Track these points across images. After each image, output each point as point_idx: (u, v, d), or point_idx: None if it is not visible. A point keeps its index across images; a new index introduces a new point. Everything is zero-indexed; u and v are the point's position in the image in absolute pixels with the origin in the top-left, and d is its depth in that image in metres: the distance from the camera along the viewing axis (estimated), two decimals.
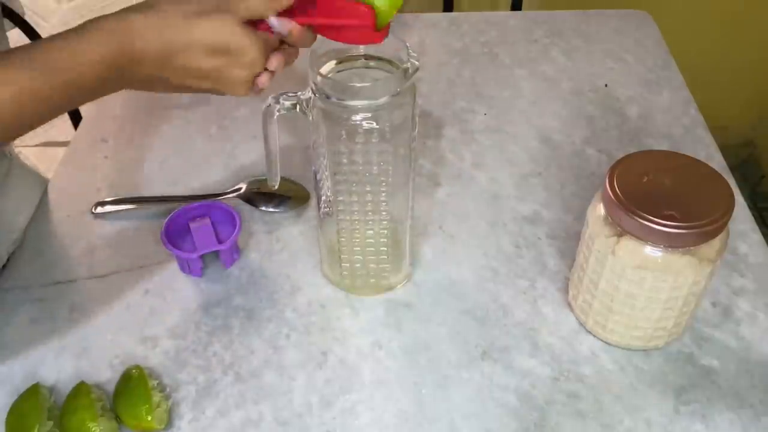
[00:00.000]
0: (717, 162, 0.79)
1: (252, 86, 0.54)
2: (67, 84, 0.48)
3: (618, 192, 0.55)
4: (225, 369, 0.61)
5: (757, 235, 0.71)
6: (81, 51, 0.48)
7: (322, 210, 0.63)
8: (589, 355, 0.62)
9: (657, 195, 0.54)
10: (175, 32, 0.49)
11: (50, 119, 0.50)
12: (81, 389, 0.58)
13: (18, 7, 0.74)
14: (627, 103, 0.88)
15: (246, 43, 0.51)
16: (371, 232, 0.63)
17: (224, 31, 0.50)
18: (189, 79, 0.52)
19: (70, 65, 0.48)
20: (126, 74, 0.50)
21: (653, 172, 0.56)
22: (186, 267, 0.68)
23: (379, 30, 0.51)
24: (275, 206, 0.75)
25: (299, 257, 0.70)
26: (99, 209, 0.75)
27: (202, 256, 0.67)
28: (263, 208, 0.75)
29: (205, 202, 0.72)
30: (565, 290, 0.67)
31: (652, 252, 0.54)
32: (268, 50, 0.53)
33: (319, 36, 0.55)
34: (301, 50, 0.57)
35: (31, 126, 0.50)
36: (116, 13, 0.50)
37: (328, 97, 0.54)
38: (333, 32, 0.51)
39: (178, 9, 0.50)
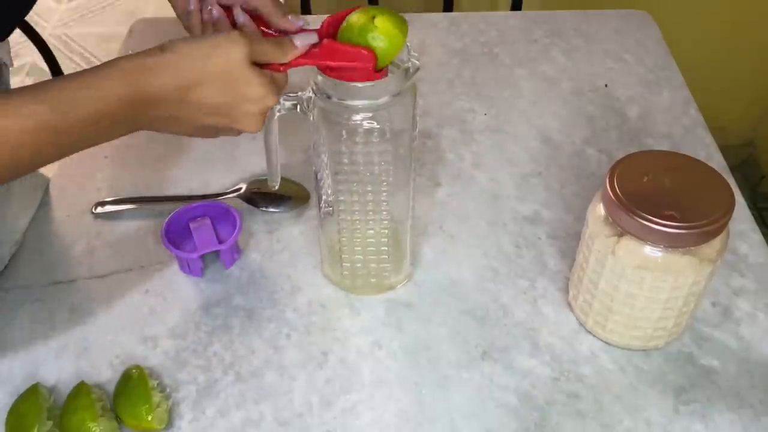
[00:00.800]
0: (717, 162, 0.79)
1: (264, 122, 0.55)
2: (83, 121, 0.48)
3: (618, 192, 0.55)
4: (225, 369, 0.61)
5: (757, 235, 0.72)
6: (98, 88, 0.48)
7: (322, 210, 0.63)
8: (589, 355, 0.62)
9: (657, 195, 0.54)
10: (190, 70, 0.50)
11: (63, 157, 0.51)
12: (81, 389, 0.58)
13: None
14: (627, 103, 0.88)
15: (254, 80, 0.52)
16: (372, 231, 0.63)
17: (234, 67, 0.51)
18: (204, 116, 0.53)
19: (87, 102, 0.48)
20: (142, 114, 0.51)
21: (653, 172, 0.56)
22: (186, 267, 0.68)
23: (378, 71, 0.53)
24: (275, 206, 0.75)
25: (299, 257, 0.70)
26: (99, 209, 0.75)
27: (202, 256, 0.67)
28: (263, 208, 0.75)
29: (205, 202, 0.72)
30: (565, 290, 0.67)
31: (652, 252, 0.54)
32: (277, 87, 0.54)
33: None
34: None
35: (46, 161, 0.51)
36: (133, 54, 0.51)
37: (328, 97, 0.54)
38: (335, 72, 0.53)
39: (192, 48, 0.51)
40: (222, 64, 0.51)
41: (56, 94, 0.48)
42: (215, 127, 0.55)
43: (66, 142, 0.50)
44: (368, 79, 0.53)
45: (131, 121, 0.51)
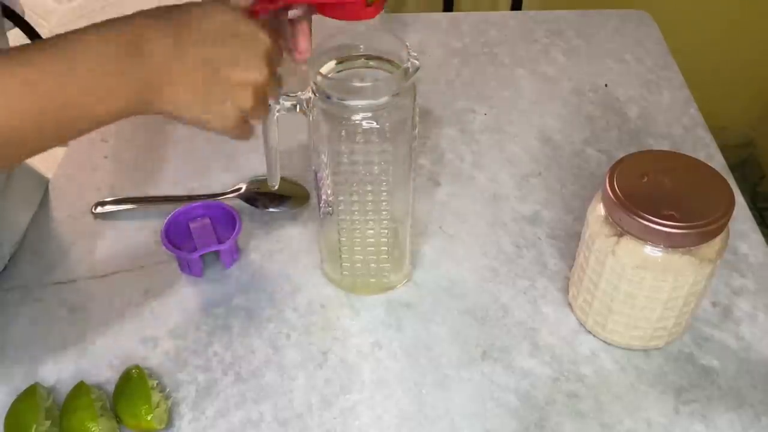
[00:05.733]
0: (717, 162, 0.79)
1: (271, 70, 0.52)
2: (84, 80, 0.46)
3: (618, 192, 0.55)
4: (225, 369, 0.61)
5: (757, 235, 0.71)
6: (92, 41, 0.47)
7: (322, 210, 0.63)
8: (589, 355, 0.62)
9: (657, 195, 0.54)
10: (187, 9, 0.50)
11: (63, 129, 0.48)
12: (81, 389, 0.58)
13: (18, 7, 0.74)
14: (627, 103, 0.88)
15: (251, 26, 0.51)
16: (372, 231, 0.63)
17: (229, 16, 0.50)
18: (209, 46, 0.50)
19: (85, 56, 0.46)
20: (142, 59, 0.48)
21: (653, 172, 0.56)
22: (186, 267, 0.68)
23: (370, 5, 0.52)
24: (275, 206, 0.75)
25: (299, 257, 0.70)
26: (99, 209, 0.75)
27: (202, 256, 0.67)
28: (263, 208, 0.75)
29: (205, 202, 0.72)
30: (565, 290, 0.67)
31: (652, 252, 0.54)
32: (271, 33, 0.53)
33: (318, 35, 0.55)
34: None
35: (48, 130, 0.47)
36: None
37: (328, 97, 0.54)
38: (327, 9, 0.52)
39: (182, 8, 0.50)
40: (212, 11, 0.50)
41: (58, 49, 0.46)
42: (221, 58, 0.50)
43: (62, 116, 0.47)
44: (361, 17, 0.52)
45: (132, 77, 0.48)
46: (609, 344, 0.62)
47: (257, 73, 0.51)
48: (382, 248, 0.64)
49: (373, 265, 0.65)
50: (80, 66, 0.46)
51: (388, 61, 0.57)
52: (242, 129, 0.54)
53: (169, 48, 0.48)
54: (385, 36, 0.57)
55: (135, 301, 0.67)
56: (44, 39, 0.48)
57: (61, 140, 0.49)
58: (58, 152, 0.83)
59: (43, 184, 0.78)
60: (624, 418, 0.57)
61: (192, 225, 0.70)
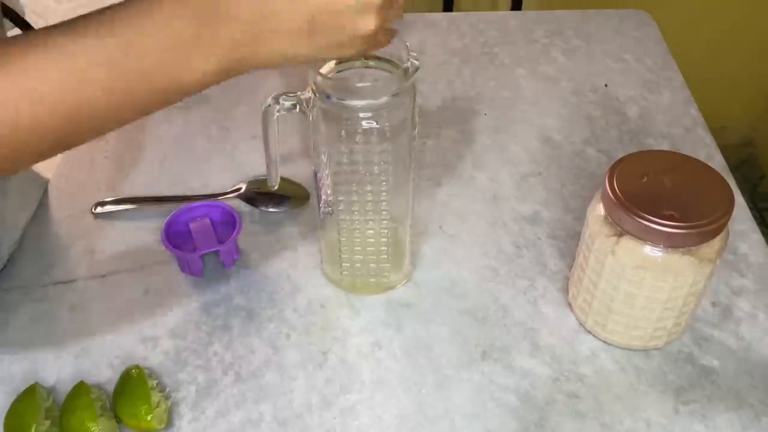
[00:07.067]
0: (717, 162, 0.79)
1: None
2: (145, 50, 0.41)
3: (618, 192, 0.55)
4: (225, 369, 0.61)
5: (757, 235, 0.71)
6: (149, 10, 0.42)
7: (322, 210, 0.63)
8: (589, 355, 0.62)
9: (657, 195, 0.54)
10: None
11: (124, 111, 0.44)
12: (81, 389, 0.58)
13: (18, 7, 0.74)
14: (627, 103, 0.88)
15: None
16: (372, 231, 0.63)
17: None
18: None
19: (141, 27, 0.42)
20: (224, 18, 0.43)
21: (653, 172, 0.56)
22: (186, 267, 0.68)
23: None
24: (275, 206, 0.75)
25: (299, 257, 0.70)
26: (99, 209, 0.75)
27: (202, 256, 0.67)
28: (263, 208, 0.75)
29: (205, 202, 0.72)
30: (565, 290, 0.67)
31: (652, 252, 0.54)
32: None
33: None
34: None
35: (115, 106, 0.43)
36: None
37: (328, 97, 0.54)
38: None
39: None
40: None
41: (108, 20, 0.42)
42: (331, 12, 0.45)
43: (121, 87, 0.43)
44: None
45: (204, 37, 0.43)
46: (609, 344, 0.62)
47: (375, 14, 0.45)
48: (382, 248, 0.64)
49: (373, 265, 0.65)
50: (156, 32, 0.42)
51: (388, 61, 0.57)
52: (376, 40, 0.48)
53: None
54: None
55: (135, 301, 0.67)
56: (108, 6, 0.43)
57: (142, 111, 0.45)
58: None
59: (43, 184, 0.78)
60: (624, 418, 0.57)
61: (192, 225, 0.70)
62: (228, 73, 0.45)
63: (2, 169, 0.44)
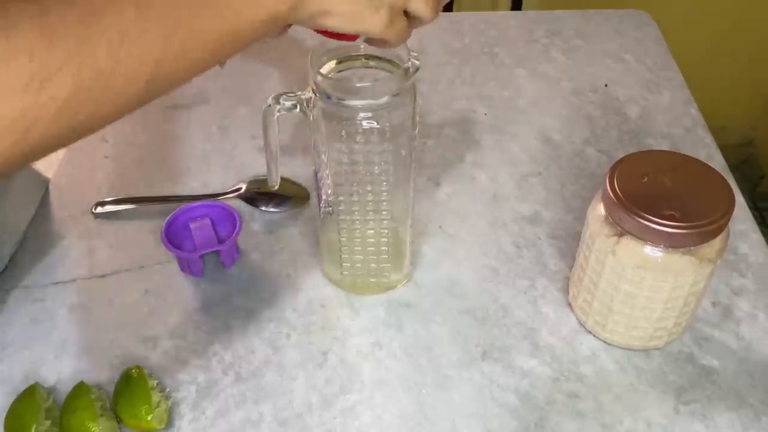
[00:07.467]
0: (717, 162, 0.79)
1: None
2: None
3: (618, 192, 0.55)
4: (225, 369, 0.61)
5: (757, 235, 0.71)
6: None
7: (322, 210, 0.63)
8: (589, 355, 0.62)
9: (657, 195, 0.54)
10: None
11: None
12: (81, 389, 0.58)
13: None
14: (627, 103, 0.88)
15: None
16: (372, 231, 0.63)
17: None
18: None
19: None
20: None
21: (653, 172, 0.56)
22: (186, 267, 0.68)
23: None
24: (275, 206, 0.75)
25: (299, 257, 0.70)
26: (99, 209, 0.75)
27: (202, 256, 0.67)
28: (263, 208, 0.75)
29: (205, 202, 0.72)
30: (565, 290, 0.67)
31: (652, 252, 0.54)
32: None
33: (318, 33, 0.55)
34: (301, 50, 0.57)
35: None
36: None
37: (328, 97, 0.54)
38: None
39: None
40: None
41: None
42: None
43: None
44: None
45: None
46: (609, 344, 0.62)
47: None
48: (382, 248, 0.64)
49: (373, 265, 0.65)
50: None
51: (388, 61, 0.57)
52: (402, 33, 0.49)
53: None
54: None
55: (135, 301, 0.67)
56: None
57: (204, 65, 0.42)
58: (58, 152, 0.83)
59: (43, 184, 0.78)
60: (624, 418, 0.57)
61: (192, 225, 0.70)
62: (276, 21, 0.44)
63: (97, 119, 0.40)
